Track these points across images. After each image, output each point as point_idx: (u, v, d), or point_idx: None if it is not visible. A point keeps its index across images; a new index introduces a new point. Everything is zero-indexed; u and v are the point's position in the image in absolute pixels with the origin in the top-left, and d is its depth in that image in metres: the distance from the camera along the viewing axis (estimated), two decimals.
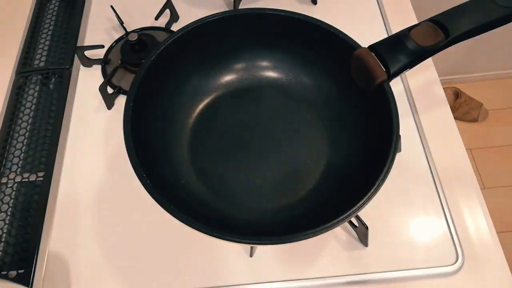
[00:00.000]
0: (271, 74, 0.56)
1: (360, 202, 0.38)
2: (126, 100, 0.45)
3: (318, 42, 0.50)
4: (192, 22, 0.50)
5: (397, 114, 0.42)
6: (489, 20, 0.43)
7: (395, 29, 0.66)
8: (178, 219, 0.38)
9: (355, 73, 0.47)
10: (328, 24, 0.49)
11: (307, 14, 0.50)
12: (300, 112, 0.54)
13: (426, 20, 0.44)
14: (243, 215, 0.48)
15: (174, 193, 0.45)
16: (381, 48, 0.44)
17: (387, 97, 0.43)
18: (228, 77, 0.56)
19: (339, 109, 0.52)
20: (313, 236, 0.37)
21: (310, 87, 0.55)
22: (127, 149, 0.42)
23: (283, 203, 0.49)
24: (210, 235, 0.37)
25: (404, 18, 0.68)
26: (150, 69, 0.47)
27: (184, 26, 0.49)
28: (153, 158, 0.46)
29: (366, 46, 0.46)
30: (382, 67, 0.43)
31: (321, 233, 0.37)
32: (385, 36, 0.66)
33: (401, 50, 0.43)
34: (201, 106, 0.55)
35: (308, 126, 0.53)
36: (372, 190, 0.39)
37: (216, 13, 0.50)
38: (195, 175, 0.50)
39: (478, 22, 0.43)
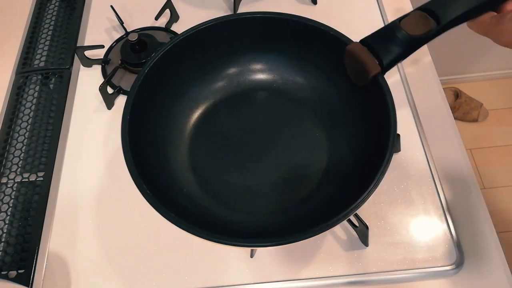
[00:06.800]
0: (266, 76, 0.56)
1: (359, 200, 0.38)
2: (123, 113, 0.44)
3: (310, 41, 0.50)
4: (185, 31, 0.49)
5: (393, 107, 0.42)
6: (480, 3, 0.42)
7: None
8: (180, 227, 0.38)
9: (349, 69, 0.47)
10: (319, 22, 0.49)
11: (301, 15, 0.49)
12: (297, 113, 0.54)
13: (415, 9, 0.44)
14: (244, 219, 0.48)
15: (174, 199, 0.45)
16: (373, 41, 0.44)
17: (383, 90, 0.43)
18: (222, 83, 0.56)
19: (336, 107, 0.52)
20: (313, 236, 0.37)
21: (305, 86, 0.54)
22: (126, 162, 0.41)
23: (284, 206, 0.48)
24: (213, 241, 0.37)
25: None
26: (146, 79, 0.47)
27: (180, 34, 0.49)
28: (152, 168, 0.46)
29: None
30: (375, 60, 0.43)
31: (321, 232, 0.37)
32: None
33: (393, 41, 0.43)
34: (198, 112, 0.54)
35: (306, 127, 0.53)
36: (370, 188, 0.38)
37: (209, 20, 0.50)
38: (195, 182, 0.50)
39: (469, 6, 0.42)
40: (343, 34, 0.47)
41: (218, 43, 0.52)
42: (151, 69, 0.48)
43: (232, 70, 0.56)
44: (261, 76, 0.56)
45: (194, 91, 0.54)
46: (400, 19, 0.43)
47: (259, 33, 0.52)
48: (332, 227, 0.38)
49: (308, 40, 0.51)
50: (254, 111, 0.55)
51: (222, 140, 0.53)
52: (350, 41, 0.46)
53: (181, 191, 0.48)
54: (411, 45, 0.43)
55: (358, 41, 0.45)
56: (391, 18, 0.67)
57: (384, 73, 0.44)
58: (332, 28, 0.48)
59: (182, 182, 0.49)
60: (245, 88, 0.56)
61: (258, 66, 0.56)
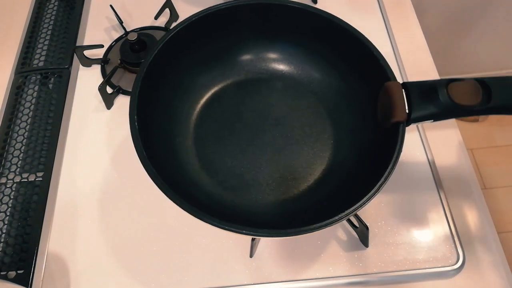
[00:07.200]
0: (281, 66, 0.56)
1: (359, 203, 0.38)
2: (130, 102, 0.44)
3: (344, 49, 0.50)
4: (196, 13, 0.49)
5: (398, 155, 0.41)
6: None
7: (395, 29, 0.66)
8: (194, 215, 0.38)
9: (380, 103, 0.45)
10: (372, 44, 0.47)
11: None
12: (308, 107, 0.54)
13: (472, 78, 0.40)
14: (246, 207, 0.48)
15: (181, 186, 0.44)
16: (412, 89, 0.41)
17: (396, 140, 0.41)
18: (234, 69, 0.55)
19: (347, 110, 0.52)
20: (308, 232, 0.37)
21: (322, 83, 0.54)
22: (136, 150, 0.41)
23: (284, 198, 0.48)
24: (214, 225, 0.38)
25: (404, 19, 0.68)
26: (154, 63, 0.46)
27: (188, 17, 0.49)
28: (161, 157, 0.46)
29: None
30: (406, 108, 0.41)
31: (317, 230, 0.37)
32: (385, 36, 0.66)
33: (431, 99, 0.40)
34: (206, 98, 0.54)
35: (314, 122, 0.53)
36: (371, 193, 0.38)
37: (225, 2, 0.49)
38: (202, 170, 0.50)
39: None
40: (390, 67, 0.45)
41: (228, 30, 0.52)
42: (158, 54, 0.47)
43: (246, 57, 0.55)
44: (274, 66, 0.56)
45: (205, 75, 0.54)
46: (451, 80, 0.40)
47: (276, 23, 0.52)
48: (331, 225, 0.37)
49: (339, 46, 0.50)
50: (263, 100, 0.54)
51: (228, 128, 0.53)
52: (393, 77, 0.44)
53: (188, 177, 0.48)
54: (447, 111, 0.40)
55: (399, 81, 0.43)
56: (392, 18, 0.67)
57: (408, 125, 0.41)
58: (382, 56, 0.46)
59: (189, 169, 0.49)
60: (255, 76, 0.55)
61: (272, 55, 0.55)
